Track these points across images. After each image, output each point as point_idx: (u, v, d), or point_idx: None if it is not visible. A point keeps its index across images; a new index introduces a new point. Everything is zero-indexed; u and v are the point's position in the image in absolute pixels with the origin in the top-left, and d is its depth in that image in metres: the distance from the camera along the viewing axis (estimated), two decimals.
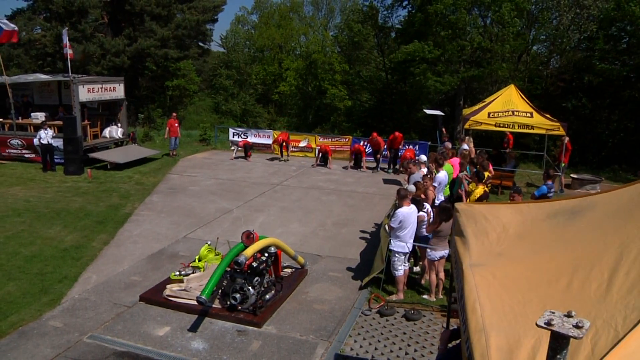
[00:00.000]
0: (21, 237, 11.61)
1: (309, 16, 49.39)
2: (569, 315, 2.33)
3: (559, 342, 2.28)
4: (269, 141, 23.44)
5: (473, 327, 3.18)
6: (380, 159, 20.29)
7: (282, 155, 21.81)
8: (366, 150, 21.02)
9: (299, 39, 45.14)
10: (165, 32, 35.22)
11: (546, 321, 2.30)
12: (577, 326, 2.24)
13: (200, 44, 41.52)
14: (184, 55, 37.15)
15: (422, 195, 9.90)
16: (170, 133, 21.98)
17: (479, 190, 10.56)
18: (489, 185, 11.48)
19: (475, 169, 12.00)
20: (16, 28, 20.86)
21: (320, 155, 20.95)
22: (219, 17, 40.73)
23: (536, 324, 2.36)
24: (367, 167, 20.21)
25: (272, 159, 21.27)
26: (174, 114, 23.00)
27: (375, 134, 20.43)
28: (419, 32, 28.21)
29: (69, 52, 19.74)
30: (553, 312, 2.36)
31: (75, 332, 7.54)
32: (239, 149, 22.17)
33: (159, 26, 35.49)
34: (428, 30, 27.72)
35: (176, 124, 22.18)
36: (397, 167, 19.92)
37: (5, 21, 20.50)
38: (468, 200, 10.52)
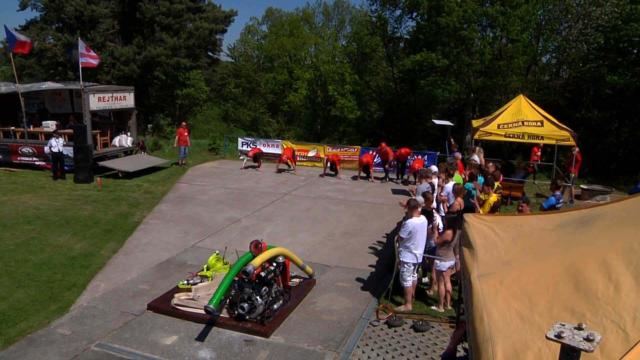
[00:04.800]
0: (31, 244, 11.68)
1: (319, 26, 49.59)
2: (579, 328, 2.30)
3: (569, 355, 2.25)
4: (278, 151, 23.46)
5: (480, 337, 3.17)
6: (389, 169, 20.25)
7: (289, 167, 21.74)
8: (374, 160, 21.01)
9: (309, 50, 45.37)
10: (175, 41, 35.46)
11: (556, 334, 2.28)
12: (588, 339, 2.22)
13: (210, 53, 41.75)
14: (196, 65, 37.37)
15: (432, 206, 9.88)
16: (179, 142, 22.09)
17: (493, 197, 10.50)
18: (499, 195, 11.44)
19: (485, 179, 11.95)
20: (29, 39, 21.10)
21: (329, 164, 20.94)
22: (228, 28, 40.86)
23: (546, 337, 2.34)
24: (376, 178, 20.18)
25: (279, 171, 21.26)
26: (184, 123, 23.11)
27: (384, 144, 20.41)
28: (427, 43, 28.24)
29: (81, 60, 19.96)
30: (563, 325, 2.34)
31: (83, 340, 7.55)
32: (249, 158, 22.21)
33: (169, 35, 35.75)
34: (437, 41, 27.74)
35: (185, 133, 22.28)
36: (406, 177, 19.96)
37: (18, 34, 20.76)
38: (482, 209, 10.45)
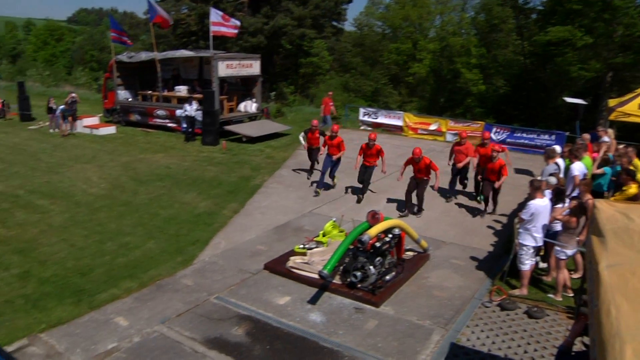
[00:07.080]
0: (161, 200, 12.60)
1: None
2: None
3: None
4: (399, 122, 23.11)
5: (607, 332, 2.96)
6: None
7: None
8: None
9: (434, 21, 44.05)
10: (302, 11, 35.98)
11: None
12: None
13: (334, 23, 41.95)
14: (321, 36, 37.77)
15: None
16: (324, 111, 22.42)
17: (633, 189, 9.38)
18: None
19: (622, 167, 10.94)
20: (170, 18, 22.69)
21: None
22: None
23: None
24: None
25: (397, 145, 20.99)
26: (330, 93, 23.28)
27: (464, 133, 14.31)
28: (565, 13, 26.27)
29: (213, 29, 20.89)
30: None
31: (204, 291, 8.08)
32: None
33: (295, 5, 36.34)
34: (577, 11, 25.72)
35: (330, 103, 22.52)
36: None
37: (161, 10, 22.49)
38: (616, 196, 9.51)
